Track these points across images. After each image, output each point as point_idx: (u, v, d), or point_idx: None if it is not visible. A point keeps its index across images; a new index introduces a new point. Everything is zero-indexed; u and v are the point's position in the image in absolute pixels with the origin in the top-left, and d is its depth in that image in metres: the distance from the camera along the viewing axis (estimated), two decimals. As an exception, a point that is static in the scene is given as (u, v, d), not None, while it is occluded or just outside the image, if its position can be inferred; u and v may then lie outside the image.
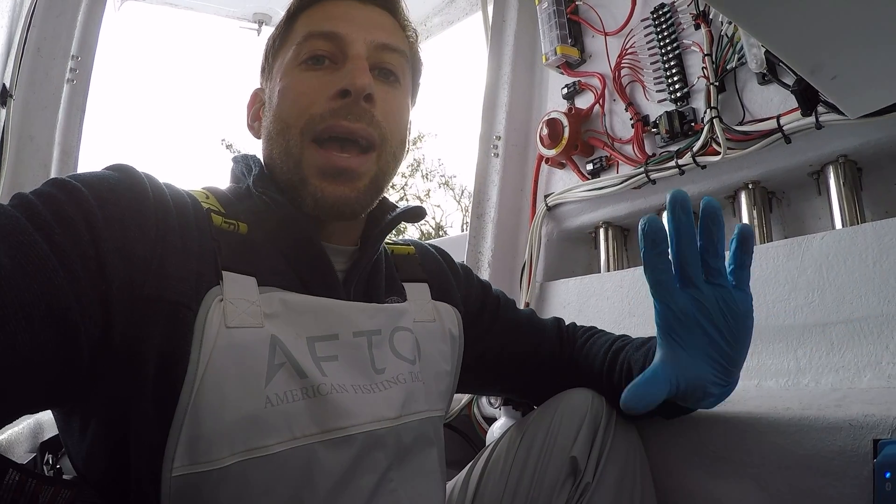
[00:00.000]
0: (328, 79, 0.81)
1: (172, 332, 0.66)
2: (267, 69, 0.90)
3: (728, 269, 0.83)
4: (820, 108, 1.22)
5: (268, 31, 2.63)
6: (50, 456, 0.78)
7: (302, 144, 0.79)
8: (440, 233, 15.79)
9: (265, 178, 0.83)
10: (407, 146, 0.91)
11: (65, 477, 0.72)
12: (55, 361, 0.58)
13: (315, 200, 0.79)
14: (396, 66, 0.87)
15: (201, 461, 0.64)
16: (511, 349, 1.06)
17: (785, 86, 1.29)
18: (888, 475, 0.72)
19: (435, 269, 1.02)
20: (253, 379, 0.68)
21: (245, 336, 0.69)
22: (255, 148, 0.92)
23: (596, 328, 1.13)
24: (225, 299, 0.70)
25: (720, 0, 0.80)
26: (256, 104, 0.92)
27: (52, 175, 1.69)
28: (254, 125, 0.92)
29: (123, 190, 0.68)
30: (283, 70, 0.84)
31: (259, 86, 0.93)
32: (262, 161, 0.87)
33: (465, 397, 1.54)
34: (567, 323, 1.16)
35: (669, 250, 0.79)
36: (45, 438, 0.82)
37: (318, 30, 0.83)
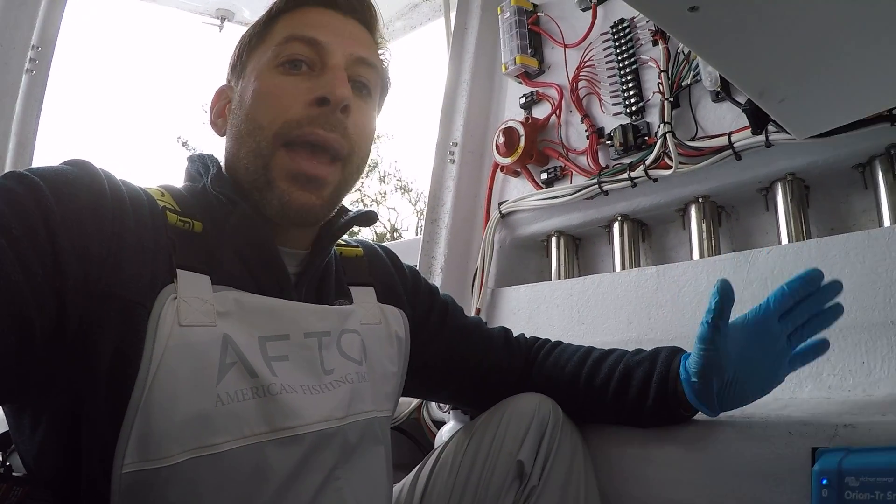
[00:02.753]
0: (306, 85, 0.82)
1: (126, 329, 0.67)
2: (239, 67, 0.89)
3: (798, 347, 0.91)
4: (770, 128, 1.25)
5: (230, 27, 2.63)
6: (0, 453, 0.77)
7: (273, 147, 0.80)
8: (395, 235, 15.76)
9: (223, 178, 0.83)
10: (369, 159, 0.92)
11: (15, 474, 0.72)
12: (8, 354, 0.59)
13: (281, 204, 0.80)
14: (370, 80, 0.89)
15: (152, 458, 0.65)
16: (459, 353, 1.07)
17: (737, 104, 1.32)
18: (825, 482, 0.74)
19: (382, 271, 1.03)
20: (204, 377, 0.69)
21: (198, 335, 0.70)
22: (210, 147, 0.91)
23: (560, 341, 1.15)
24: (179, 297, 0.70)
25: (675, 27, 0.83)
26: (221, 101, 0.92)
27: (7, 167, 1.67)
28: (217, 122, 0.91)
29: (81, 186, 0.69)
30: (259, 70, 0.84)
31: (226, 82, 0.92)
32: (223, 161, 0.87)
33: (414, 401, 1.54)
34: (516, 334, 1.17)
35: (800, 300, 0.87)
36: (-6, 435, 0.80)
37: (300, 34, 0.83)
